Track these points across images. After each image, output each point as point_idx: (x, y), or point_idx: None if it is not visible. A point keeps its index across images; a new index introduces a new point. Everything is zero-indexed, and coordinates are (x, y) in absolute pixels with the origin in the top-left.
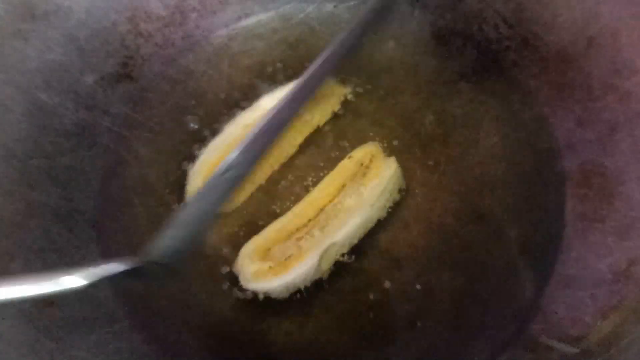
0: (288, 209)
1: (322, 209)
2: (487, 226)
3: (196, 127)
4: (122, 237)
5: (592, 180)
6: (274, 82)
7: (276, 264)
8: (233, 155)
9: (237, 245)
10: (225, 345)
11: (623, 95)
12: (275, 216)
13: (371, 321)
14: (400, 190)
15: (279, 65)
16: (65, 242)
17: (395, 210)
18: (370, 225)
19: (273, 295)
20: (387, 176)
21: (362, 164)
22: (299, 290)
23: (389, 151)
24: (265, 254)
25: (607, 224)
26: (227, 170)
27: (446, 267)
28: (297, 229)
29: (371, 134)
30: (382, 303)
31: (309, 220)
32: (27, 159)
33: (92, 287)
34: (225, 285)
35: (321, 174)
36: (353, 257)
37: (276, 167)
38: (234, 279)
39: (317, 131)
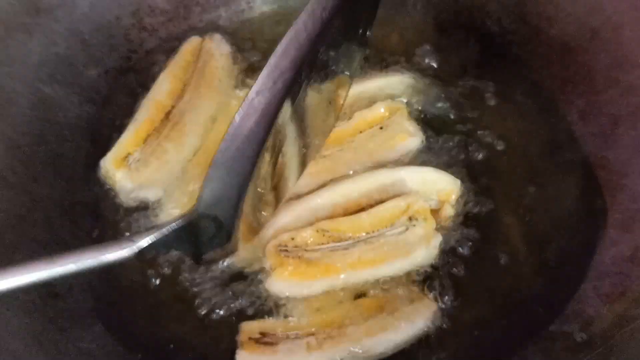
0: None
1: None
2: (490, 219)
3: None
4: (126, 231)
5: (595, 173)
6: None
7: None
8: (259, 80)
9: None
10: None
11: (625, 88)
12: None
13: None
14: None
15: None
16: (69, 234)
17: None
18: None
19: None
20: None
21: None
22: None
23: None
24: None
25: (609, 216)
26: (255, 96)
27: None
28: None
29: None
30: None
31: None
32: (31, 152)
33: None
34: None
35: None
36: None
37: None
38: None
39: None
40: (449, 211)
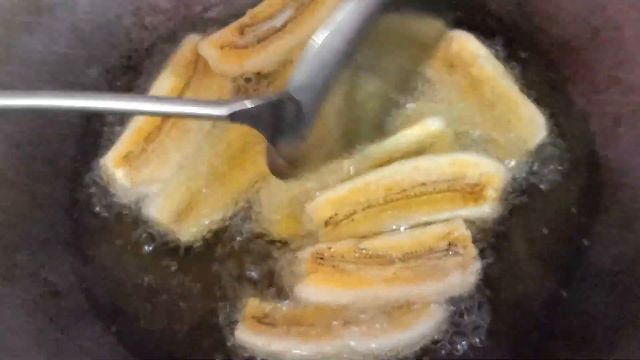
0: None
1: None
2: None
3: None
4: (127, 227)
5: (596, 172)
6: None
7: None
8: None
9: None
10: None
11: (627, 87)
12: None
13: None
14: None
15: None
16: (70, 233)
17: None
18: None
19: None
20: None
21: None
22: None
23: None
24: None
25: (610, 215)
26: None
27: None
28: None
29: None
30: None
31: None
32: (31, 151)
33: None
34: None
35: None
36: None
37: None
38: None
39: None
40: (491, 193)
